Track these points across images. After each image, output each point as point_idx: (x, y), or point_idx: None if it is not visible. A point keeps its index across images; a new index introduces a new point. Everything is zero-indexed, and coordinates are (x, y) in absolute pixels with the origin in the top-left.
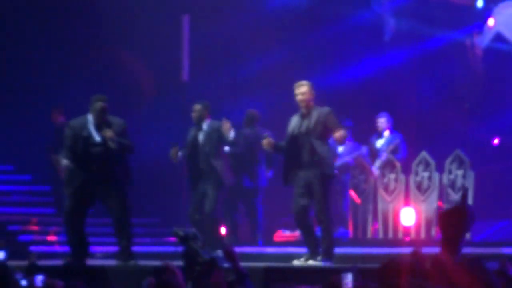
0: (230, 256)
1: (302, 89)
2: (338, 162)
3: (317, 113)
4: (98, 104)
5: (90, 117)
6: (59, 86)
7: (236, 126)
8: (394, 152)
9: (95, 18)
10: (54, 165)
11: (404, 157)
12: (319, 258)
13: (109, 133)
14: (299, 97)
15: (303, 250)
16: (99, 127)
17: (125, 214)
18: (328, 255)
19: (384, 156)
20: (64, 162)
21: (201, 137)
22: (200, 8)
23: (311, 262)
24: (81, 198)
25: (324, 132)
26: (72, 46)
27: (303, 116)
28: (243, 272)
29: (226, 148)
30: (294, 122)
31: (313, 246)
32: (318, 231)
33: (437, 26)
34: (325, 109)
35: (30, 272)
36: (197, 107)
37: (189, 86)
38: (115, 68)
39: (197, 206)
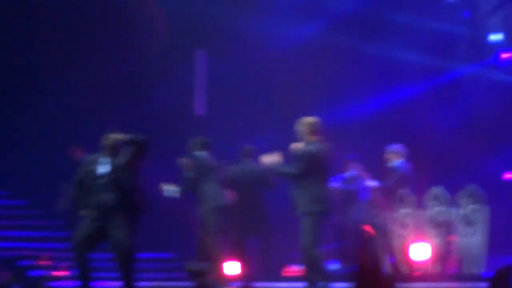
0: None
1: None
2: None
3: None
4: (107, 137)
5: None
6: (79, 127)
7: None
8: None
9: (113, 53)
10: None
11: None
12: None
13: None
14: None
15: None
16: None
17: (124, 250)
18: None
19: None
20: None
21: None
22: (213, 44)
23: None
24: (89, 230)
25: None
26: (87, 87)
27: None
28: None
29: None
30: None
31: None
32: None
33: (453, 60)
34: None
35: None
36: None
37: (203, 120)
38: (132, 105)
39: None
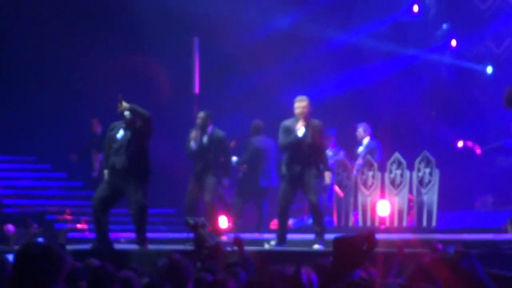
0: (238, 242)
1: (302, 104)
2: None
3: (311, 123)
4: (120, 104)
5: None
6: (96, 99)
7: (241, 134)
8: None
9: (129, 42)
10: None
11: (379, 160)
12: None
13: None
14: (299, 110)
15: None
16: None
17: (139, 208)
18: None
19: (361, 161)
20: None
21: (204, 139)
22: (208, 31)
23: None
24: (108, 189)
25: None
26: (110, 64)
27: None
28: (246, 256)
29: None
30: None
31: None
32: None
33: (409, 46)
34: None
35: None
36: (201, 114)
37: (200, 98)
38: (142, 83)
39: (196, 196)
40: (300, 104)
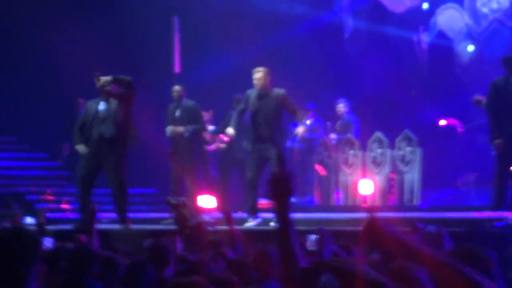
0: (228, 220)
1: (258, 75)
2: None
3: (274, 94)
4: (98, 79)
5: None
6: (76, 79)
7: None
8: (344, 131)
9: (109, 21)
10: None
11: (357, 136)
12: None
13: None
14: (255, 81)
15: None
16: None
17: (120, 185)
18: None
19: (334, 135)
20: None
21: (177, 113)
22: (188, 10)
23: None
24: (90, 165)
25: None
26: (90, 44)
27: (261, 97)
28: (236, 234)
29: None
30: (252, 100)
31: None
32: None
33: (389, 25)
34: (281, 92)
35: (40, 233)
36: (177, 87)
37: (180, 76)
38: (122, 62)
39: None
40: (255, 75)
